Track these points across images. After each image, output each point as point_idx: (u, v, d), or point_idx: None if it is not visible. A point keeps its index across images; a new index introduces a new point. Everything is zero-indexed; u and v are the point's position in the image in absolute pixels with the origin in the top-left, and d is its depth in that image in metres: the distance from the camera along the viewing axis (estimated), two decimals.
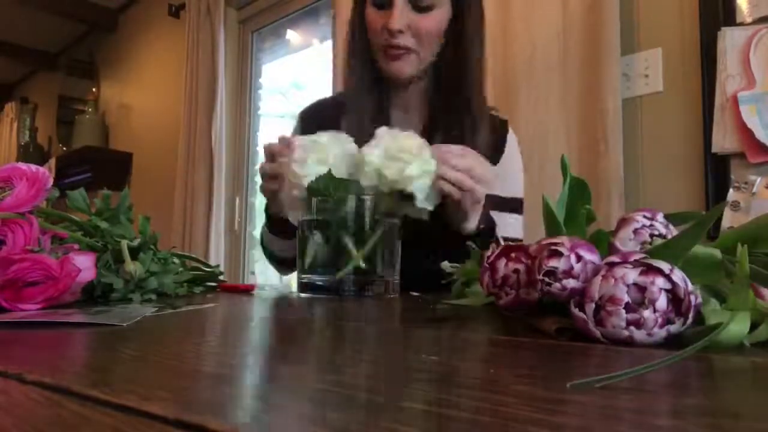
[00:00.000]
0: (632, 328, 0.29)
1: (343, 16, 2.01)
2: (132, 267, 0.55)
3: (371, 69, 0.90)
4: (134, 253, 0.58)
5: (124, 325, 0.37)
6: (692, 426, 0.17)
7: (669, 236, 0.38)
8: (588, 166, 1.38)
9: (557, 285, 0.33)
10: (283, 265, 0.98)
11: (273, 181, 0.71)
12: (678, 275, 0.29)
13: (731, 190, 1.18)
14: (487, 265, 0.41)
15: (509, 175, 0.95)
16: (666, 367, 0.24)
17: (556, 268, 0.33)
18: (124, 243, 0.56)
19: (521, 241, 0.91)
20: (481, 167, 0.71)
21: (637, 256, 0.31)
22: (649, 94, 1.36)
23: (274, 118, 2.76)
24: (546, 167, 1.44)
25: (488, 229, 0.81)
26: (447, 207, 0.71)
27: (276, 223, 0.85)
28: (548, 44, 1.48)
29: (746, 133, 1.18)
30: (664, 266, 0.29)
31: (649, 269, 0.29)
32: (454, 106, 0.88)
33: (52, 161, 3.49)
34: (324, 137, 0.67)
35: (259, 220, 2.70)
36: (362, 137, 0.69)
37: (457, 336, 0.36)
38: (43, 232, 0.51)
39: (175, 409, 0.17)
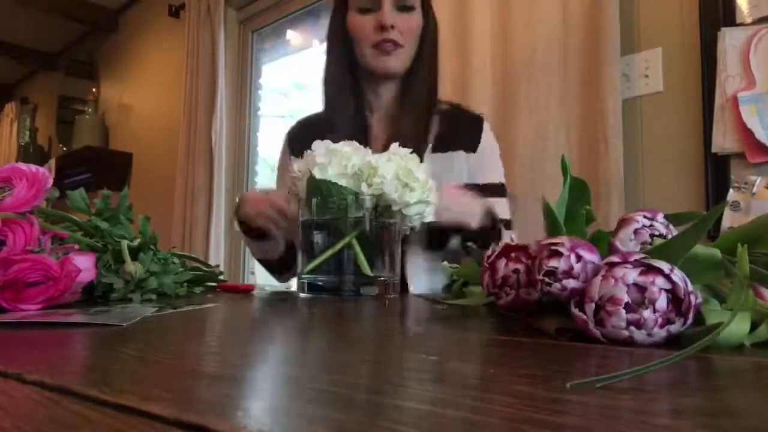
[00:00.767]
0: (632, 328, 0.29)
1: None
2: (132, 267, 0.55)
3: (353, 75, 0.99)
4: (134, 253, 0.58)
5: (124, 325, 0.37)
6: (692, 426, 0.17)
7: (669, 236, 0.38)
8: (588, 166, 1.38)
9: (557, 285, 0.33)
10: (274, 268, 1.04)
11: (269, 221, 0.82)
12: (678, 275, 0.29)
13: (731, 191, 1.18)
14: (487, 265, 0.41)
15: (488, 164, 1.02)
16: (666, 367, 0.24)
17: (556, 268, 0.33)
18: (124, 243, 0.56)
19: (509, 220, 0.99)
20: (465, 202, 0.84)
21: (637, 256, 0.31)
22: (649, 94, 1.36)
23: (274, 118, 2.76)
24: (546, 167, 1.44)
25: (490, 226, 0.88)
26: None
27: (246, 227, 0.93)
28: (548, 44, 1.48)
29: (746, 133, 1.18)
30: (664, 266, 0.29)
31: (649, 269, 0.29)
32: (416, 105, 0.98)
33: (52, 161, 3.49)
34: (347, 146, 0.68)
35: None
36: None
37: (457, 336, 0.36)
38: (44, 233, 0.51)
39: (175, 409, 0.17)
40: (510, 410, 0.18)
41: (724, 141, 1.21)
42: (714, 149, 1.22)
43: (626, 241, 0.38)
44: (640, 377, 0.22)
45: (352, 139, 0.71)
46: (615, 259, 0.31)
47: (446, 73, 1.66)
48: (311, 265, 0.64)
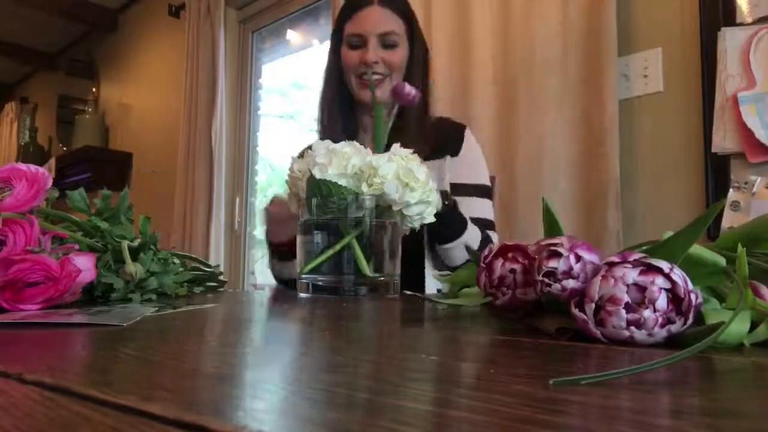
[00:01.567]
0: (633, 328, 0.29)
1: None
2: (132, 268, 0.55)
3: (346, 97, 1.10)
4: (134, 253, 0.58)
5: (124, 325, 0.37)
6: (692, 426, 0.17)
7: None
8: (585, 167, 1.38)
9: (557, 286, 0.33)
10: (289, 285, 1.07)
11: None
12: (678, 274, 0.29)
13: (731, 190, 1.18)
14: (484, 265, 0.41)
15: (471, 166, 1.09)
16: (666, 367, 0.24)
17: (556, 268, 0.33)
18: (125, 243, 0.56)
19: (492, 221, 1.07)
20: None
21: (636, 256, 0.31)
22: (649, 94, 1.36)
23: (274, 118, 2.76)
24: (544, 168, 1.44)
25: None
26: None
27: (278, 249, 1.00)
28: (548, 45, 1.48)
29: (746, 133, 1.18)
30: (664, 265, 0.29)
31: (649, 269, 0.29)
32: (407, 125, 1.05)
33: (52, 161, 3.49)
34: (347, 147, 0.68)
35: (259, 219, 2.70)
36: None
37: (456, 336, 0.36)
38: (44, 233, 0.51)
39: (175, 409, 0.17)
40: (510, 410, 0.18)
41: (724, 141, 1.21)
42: (714, 149, 1.22)
43: None
44: (641, 377, 0.22)
45: None
46: (614, 259, 0.31)
47: (446, 72, 1.66)
48: (311, 265, 0.64)
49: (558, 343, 0.31)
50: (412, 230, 0.72)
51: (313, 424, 0.16)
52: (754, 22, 1.20)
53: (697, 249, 0.33)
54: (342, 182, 0.64)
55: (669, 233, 0.34)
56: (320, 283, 0.64)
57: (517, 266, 0.38)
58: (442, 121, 1.13)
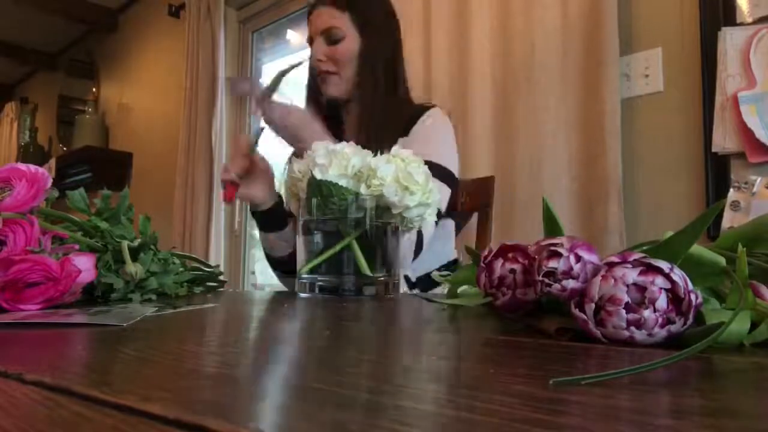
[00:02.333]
0: (633, 328, 0.29)
1: None
2: (133, 268, 0.55)
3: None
4: (134, 253, 0.58)
5: (124, 325, 0.37)
6: (692, 426, 0.17)
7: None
8: (586, 167, 1.38)
9: (557, 286, 0.33)
10: (287, 268, 1.04)
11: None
12: (678, 274, 0.29)
13: (731, 190, 1.18)
14: (483, 265, 0.41)
15: (422, 144, 1.01)
16: (666, 367, 0.24)
17: (556, 268, 0.33)
18: (125, 244, 0.56)
19: (441, 210, 0.99)
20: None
21: (636, 256, 0.31)
22: (649, 94, 1.36)
23: None
24: (544, 167, 1.44)
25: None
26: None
27: (265, 218, 0.99)
28: (548, 44, 1.48)
29: (746, 133, 1.18)
30: (664, 265, 0.29)
31: (649, 269, 0.29)
32: (374, 112, 1.06)
33: (53, 161, 3.49)
34: (348, 147, 0.68)
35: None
36: None
37: (456, 336, 0.36)
38: (44, 233, 0.51)
39: (175, 409, 0.17)
40: (510, 410, 0.18)
41: (724, 141, 1.21)
42: (714, 149, 1.22)
43: None
44: (641, 377, 0.22)
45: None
46: (614, 259, 0.31)
47: (446, 72, 1.66)
48: (311, 265, 0.64)
49: (558, 343, 0.31)
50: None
51: (313, 424, 0.16)
52: (754, 22, 1.20)
53: (697, 249, 0.33)
54: (342, 183, 0.64)
55: (669, 233, 0.34)
56: (320, 283, 0.64)
57: (517, 266, 0.38)
58: (408, 106, 1.11)
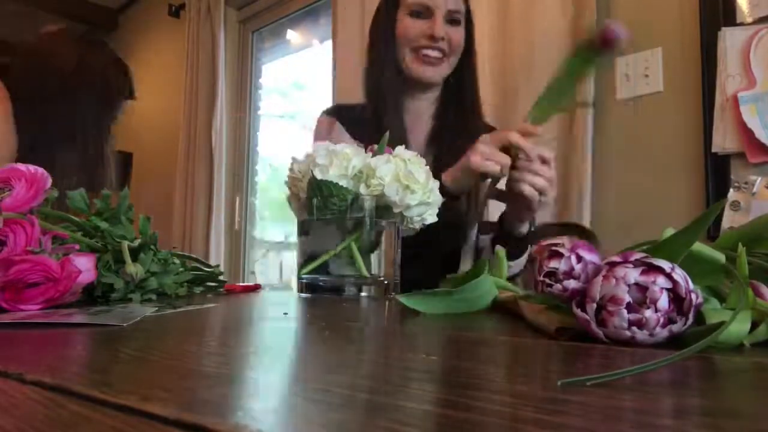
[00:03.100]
0: (634, 328, 0.29)
1: (344, 15, 2.01)
2: (133, 269, 0.55)
3: (396, 73, 0.97)
4: (135, 253, 0.58)
5: (124, 325, 0.37)
6: (693, 426, 0.16)
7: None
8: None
9: (558, 286, 0.33)
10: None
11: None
12: (679, 273, 0.29)
13: (731, 190, 1.18)
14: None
15: None
16: (666, 367, 0.24)
17: (557, 269, 0.33)
18: (125, 244, 0.56)
19: None
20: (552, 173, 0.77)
21: (637, 256, 0.30)
22: (649, 94, 1.36)
23: (274, 118, 2.76)
24: None
25: (531, 232, 0.87)
26: (515, 209, 0.81)
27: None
28: (548, 44, 1.48)
29: (746, 133, 1.18)
30: (665, 265, 0.29)
31: (650, 268, 0.29)
32: (458, 118, 0.98)
33: None
34: (347, 148, 0.67)
35: (259, 219, 2.70)
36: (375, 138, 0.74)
37: (456, 336, 0.36)
38: (44, 233, 0.50)
39: (175, 409, 0.17)
40: (510, 410, 0.18)
41: (724, 141, 1.21)
42: (714, 149, 1.22)
43: None
44: (641, 377, 0.22)
45: (396, 139, 0.72)
46: (616, 258, 0.31)
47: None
48: (311, 266, 0.64)
49: (558, 344, 0.31)
50: (423, 230, 0.70)
51: (313, 424, 0.16)
52: (754, 22, 1.20)
53: (696, 246, 0.33)
54: (343, 183, 0.64)
55: (670, 230, 0.34)
56: (320, 283, 0.64)
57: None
58: (481, 123, 1.03)
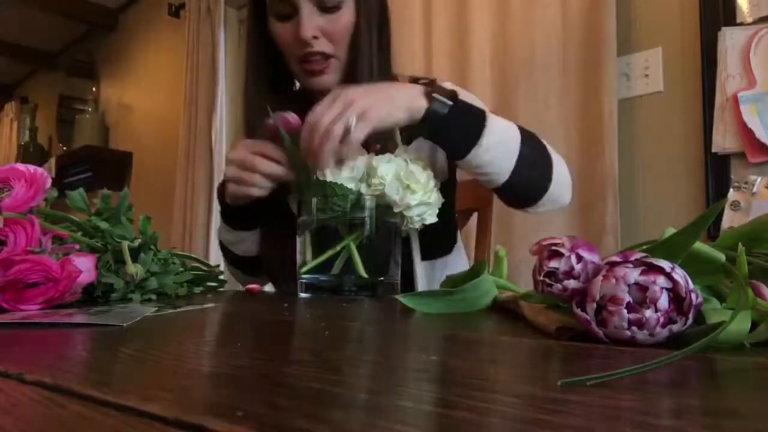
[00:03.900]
0: (634, 328, 0.29)
1: None
2: (133, 269, 0.55)
3: (275, 93, 0.83)
4: (135, 253, 0.58)
5: (124, 325, 0.37)
6: (693, 426, 0.16)
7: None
8: (585, 167, 1.38)
9: (558, 286, 0.33)
10: (247, 266, 0.93)
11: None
12: (679, 273, 0.29)
13: (731, 190, 1.18)
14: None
15: None
16: (666, 367, 0.24)
17: (557, 268, 0.33)
18: (125, 244, 0.56)
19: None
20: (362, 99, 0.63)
21: (637, 255, 0.30)
22: (649, 94, 1.36)
23: None
24: None
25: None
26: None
27: (236, 214, 0.83)
28: (547, 44, 1.48)
29: (746, 132, 1.18)
30: (665, 265, 0.29)
31: (650, 268, 0.29)
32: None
33: (52, 161, 3.49)
34: None
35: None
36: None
37: (456, 336, 0.36)
38: (44, 233, 0.51)
39: (175, 409, 0.17)
40: (510, 410, 0.18)
41: (724, 141, 1.21)
42: (714, 149, 1.22)
43: None
44: (642, 377, 0.22)
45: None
46: (616, 258, 0.31)
47: (445, 72, 1.66)
48: (310, 265, 0.64)
49: (558, 343, 0.31)
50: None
51: (313, 424, 0.16)
52: (754, 22, 1.20)
53: (696, 245, 0.33)
54: (351, 185, 0.64)
55: (670, 229, 0.34)
56: (320, 283, 0.64)
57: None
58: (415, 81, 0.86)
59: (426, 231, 0.72)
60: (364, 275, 0.62)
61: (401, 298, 0.47)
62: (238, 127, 2.68)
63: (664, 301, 0.29)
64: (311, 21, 0.76)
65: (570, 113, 1.43)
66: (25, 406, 0.19)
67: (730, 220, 1.17)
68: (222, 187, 0.82)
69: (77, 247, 0.53)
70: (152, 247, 0.62)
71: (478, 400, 0.19)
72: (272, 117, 0.68)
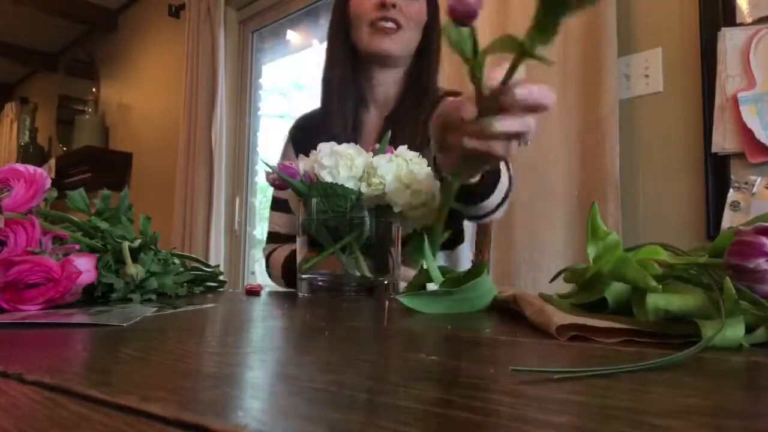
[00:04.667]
0: None
1: None
2: (133, 270, 0.55)
3: (351, 69, 0.97)
4: (135, 253, 0.58)
5: (124, 325, 0.37)
6: (692, 426, 0.17)
7: None
8: (586, 167, 1.38)
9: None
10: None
11: None
12: None
13: (731, 191, 1.18)
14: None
15: None
16: (667, 367, 0.24)
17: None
18: (125, 245, 0.56)
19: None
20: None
21: None
22: (649, 94, 1.36)
23: (274, 118, 2.76)
24: (544, 167, 1.44)
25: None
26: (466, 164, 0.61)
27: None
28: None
29: (746, 133, 1.18)
30: None
31: None
32: (418, 96, 0.96)
33: (52, 161, 3.49)
34: (350, 149, 0.67)
35: (259, 220, 2.70)
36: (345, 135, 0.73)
37: (456, 336, 0.36)
38: (44, 233, 0.51)
39: (175, 409, 0.17)
40: (510, 410, 0.18)
41: (724, 141, 1.21)
42: (714, 149, 1.22)
43: None
44: (642, 377, 0.22)
45: (342, 138, 0.70)
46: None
47: (445, 72, 1.66)
48: (311, 262, 0.64)
49: (558, 343, 0.31)
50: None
51: (313, 424, 0.16)
52: (754, 23, 1.20)
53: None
54: (350, 185, 0.64)
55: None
56: (320, 283, 0.64)
57: None
58: (450, 95, 0.92)
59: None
60: (367, 275, 0.62)
61: (401, 299, 0.47)
62: (237, 127, 2.68)
63: None
64: None
65: (570, 114, 1.43)
66: (25, 406, 0.19)
67: (729, 220, 1.17)
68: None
69: (77, 247, 0.53)
70: (152, 247, 0.62)
71: (478, 400, 0.19)
72: (273, 170, 0.69)
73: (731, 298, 0.30)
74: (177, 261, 0.66)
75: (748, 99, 1.18)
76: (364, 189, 0.65)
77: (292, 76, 2.71)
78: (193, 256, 0.79)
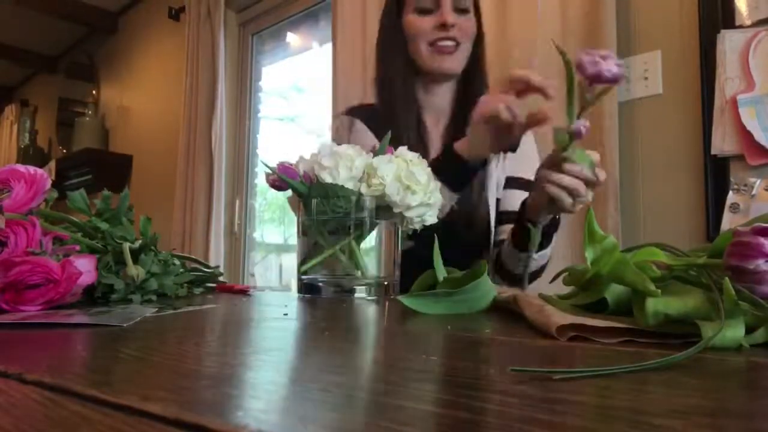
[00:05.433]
0: None
1: (344, 17, 2.02)
2: (134, 271, 0.55)
3: (410, 71, 1.00)
4: (135, 254, 0.58)
5: (124, 325, 0.37)
6: (691, 426, 0.17)
7: None
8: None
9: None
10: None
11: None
12: None
13: (731, 192, 1.18)
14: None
15: (522, 159, 1.03)
16: (667, 367, 0.24)
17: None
18: (126, 245, 0.56)
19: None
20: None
21: None
22: (648, 97, 1.36)
23: (274, 120, 2.76)
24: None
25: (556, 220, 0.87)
26: (542, 202, 0.77)
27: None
28: (548, 45, 1.48)
29: (746, 135, 1.18)
30: None
31: None
32: (473, 105, 0.97)
33: (52, 164, 3.49)
34: (349, 149, 0.68)
35: (258, 221, 2.70)
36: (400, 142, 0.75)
37: (456, 336, 0.36)
38: (45, 234, 0.51)
39: (175, 409, 0.17)
40: (510, 410, 0.18)
41: (723, 143, 1.21)
42: (713, 151, 1.22)
43: None
44: (642, 377, 0.22)
45: (405, 141, 0.73)
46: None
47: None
48: (311, 263, 0.64)
49: (558, 343, 0.31)
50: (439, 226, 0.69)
51: (313, 424, 0.16)
52: (753, 25, 1.20)
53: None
54: (349, 185, 0.64)
55: None
56: (320, 283, 0.64)
57: None
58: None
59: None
60: (368, 275, 0.63)
61: (401, 299, 0.47)
62: (237, 129, 2.68)
63: None
64: (451, 14, 0.95)
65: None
66: (25, 406, 0.19)
67: (729, 221, 1.17)
68: None
69: (78, 248, 0.53)
70: (153, 248, 0.62)
71: (478, 400, 0.19)
72: (272, 171, 0.70)
73: (731, 299, 0.30)
74: (177, 262, 0.66)
75: (747, 101, 1.18)
76: (364, 189, 0.65)
77: (292, 79, 2.71)
78: (193, 257, 0.79)
